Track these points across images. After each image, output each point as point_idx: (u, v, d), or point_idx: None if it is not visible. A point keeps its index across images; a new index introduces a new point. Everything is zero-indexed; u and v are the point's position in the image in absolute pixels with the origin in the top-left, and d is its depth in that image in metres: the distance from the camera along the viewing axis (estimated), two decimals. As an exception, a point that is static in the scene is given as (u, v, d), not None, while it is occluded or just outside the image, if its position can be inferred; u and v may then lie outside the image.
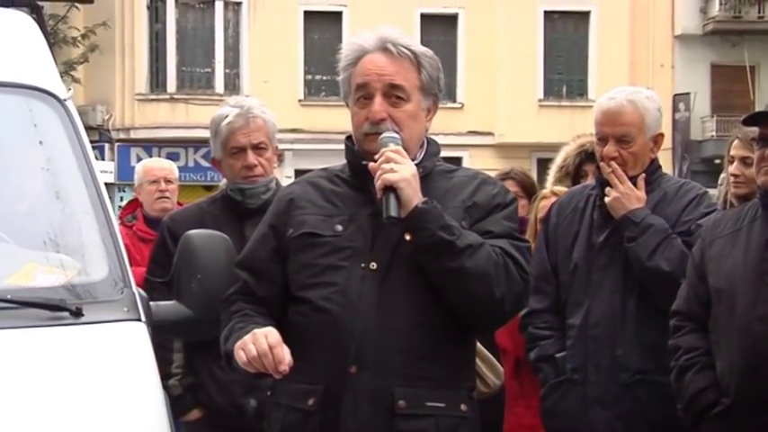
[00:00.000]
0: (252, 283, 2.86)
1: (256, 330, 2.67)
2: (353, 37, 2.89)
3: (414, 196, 2.67)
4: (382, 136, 2.74)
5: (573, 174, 4.93)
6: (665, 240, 3.65)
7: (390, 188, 2.66)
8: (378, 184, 2.67)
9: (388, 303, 2.71)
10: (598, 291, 3.75)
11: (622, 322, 3.72)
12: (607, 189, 3.76)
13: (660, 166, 3.93)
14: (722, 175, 4.60)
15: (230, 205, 3.90)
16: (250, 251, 2.93)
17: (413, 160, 2.77)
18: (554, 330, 3.87)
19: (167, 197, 6.15)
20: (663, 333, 3.56)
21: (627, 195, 3.72)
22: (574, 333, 3.81)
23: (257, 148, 3.85)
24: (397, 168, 2.67)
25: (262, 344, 2.62)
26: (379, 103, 2.76)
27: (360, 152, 2.82)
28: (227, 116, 3.89)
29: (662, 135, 3.90)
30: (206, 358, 3.87)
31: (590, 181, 4.41)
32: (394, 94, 2.78)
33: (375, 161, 2.71)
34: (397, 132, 2.75)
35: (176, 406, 3.99)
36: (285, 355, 2.62)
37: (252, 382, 3.73)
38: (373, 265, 2.73)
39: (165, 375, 3.96)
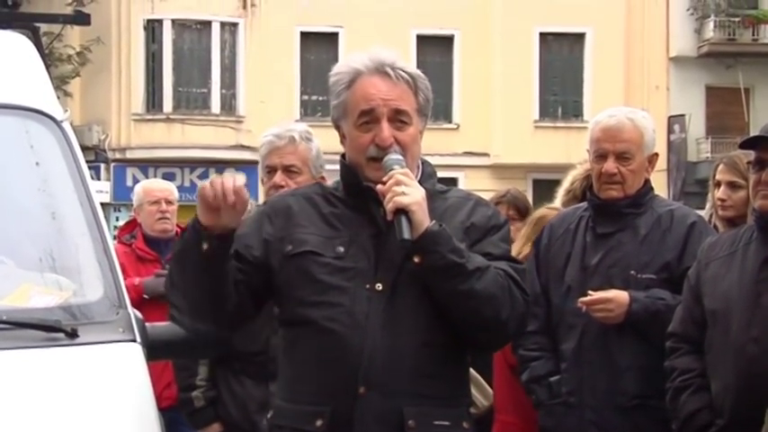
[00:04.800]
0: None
1: None
2: (344, 58, 2.89)
3: (425, 219, 2.68)
4: (386, 159, 2.74)
5: (580, 197, 4.91)
6: (669, 308, 3.61)
7: (402, 211, 2.66)
8: (389, 206, 2.66)
9: (396, 324, 2.71)
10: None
11: (618, 345, 3.71)
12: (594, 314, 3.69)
13: (652, 188, 3.94)
14: (708, 204, 4.61)
15: None
16: (246, 247, 2.82)
17: None
18: (544, 351, 3.87)
19: (168, 218, 6.16)
20: (660, 357, 3.56)
21: (606, 308, 3.66)
22: (568, 356, 3.80)
23: (288, 170, 3.85)
24: (408, 191, 2.67)
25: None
26: (387, 129, 2.76)
27: (360, 174, 2.81)
28: (267, 137, 3.95)
29: (656, 155, 3.92)
30: (225, 372, 3.94)
31: None
32: (398, 118, 2.78)
33: (378, 183, 2.71)
34: (401, 155, 2.75)
35: (198, 418, 4.09)
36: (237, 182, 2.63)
37: (267, 400, 3.76)
38: (379, 286, 2.72)
39: (189, 387, 4.06)
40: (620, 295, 3.65)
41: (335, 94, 2.85)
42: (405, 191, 2.66)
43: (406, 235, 2.65)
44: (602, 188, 3.84)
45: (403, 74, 2.80)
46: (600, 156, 3.83)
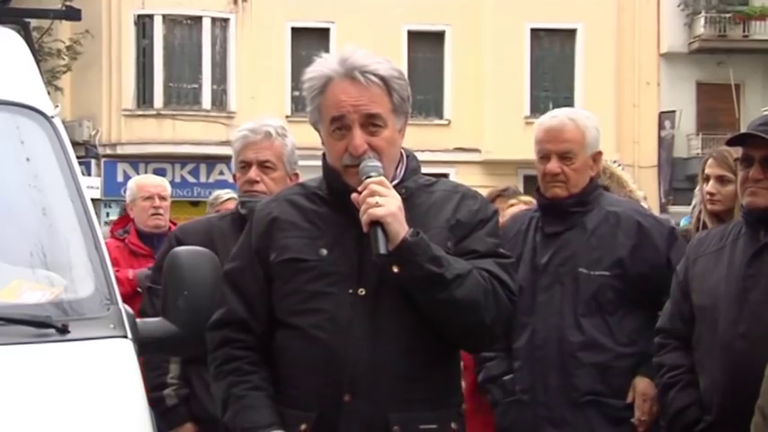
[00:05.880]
0: (242, 312, 2.82)
1: None
2: (316, 62, 2.81)
3: (401, 229, 2.63)
4: (362, 165, 2.68)
5: None
6: None
7: (377, 222, 2.61)
8: (363, 219, 2.62)
9: (380, 329, 2.68)
10: (543, 312, 3.80)
11: (570, 342, 3.74)
12: None
13: (599, 186, 3.99)
14: (695, 199, 4.62)
15: (238, 220, 3.89)
16: (239, 273, 2.85)
17: (393, 180, 2.75)
18: (499, 352, 3.89)
19: (161, 213, 6.17)
20: (610, 353, 3.65)
21: (653, 404, 3.71)
22: (521, 355, 3.84)
23: (263, 165, 3.84)
24: (383, 202, 2.62)
25: None
26: (359, 136, 2.70)
27: (340, 178, 2.78)
28: (242, 131, 3.93)
29: (600, 153, 3.96)
30: (200, 369, 3.84)
31: None
32: (371, 122, 2.72)
33: (357, 191, 2.67)
34: (377, 159, 2.70)
35: (170, 417, 4.02)
36: None
37: None
38: (362, 291, 2.69)
39: (161, 385, 3.98)
40: (647, 388, 3.70)
41: (310, 99, 2.80)
42: (379, 201, 2.61)
43: (382, 249, 2.60)
44: (547, 187, 3.89)
45: (373, 77, 2.71)
46: (543, 156, 3.89)
